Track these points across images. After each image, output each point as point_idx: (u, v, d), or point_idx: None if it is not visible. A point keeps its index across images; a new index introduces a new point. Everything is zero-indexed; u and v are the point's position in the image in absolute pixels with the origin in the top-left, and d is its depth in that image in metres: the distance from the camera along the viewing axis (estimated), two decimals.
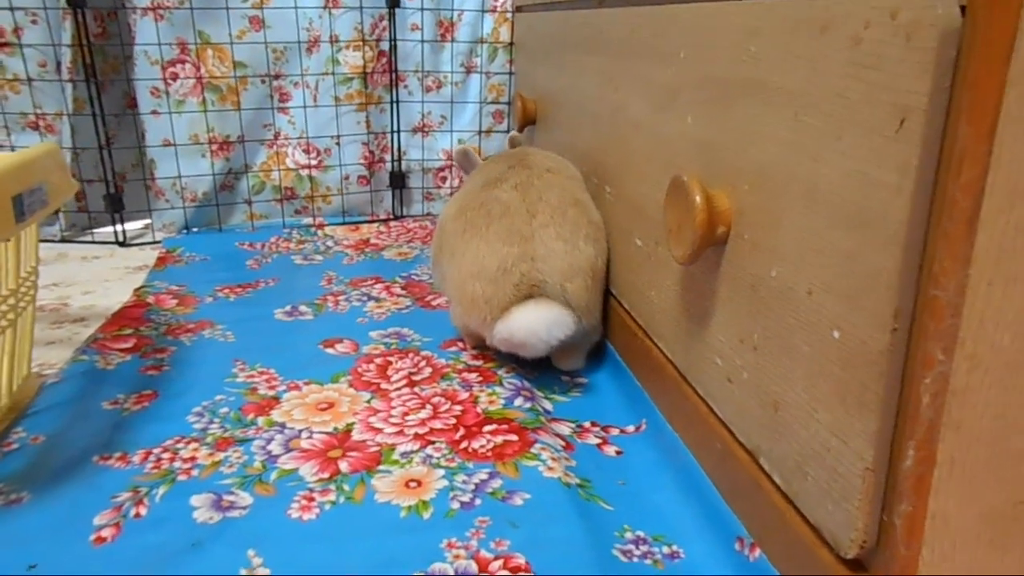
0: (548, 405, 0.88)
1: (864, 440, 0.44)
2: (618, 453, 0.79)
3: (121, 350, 0.99)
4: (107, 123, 1.47)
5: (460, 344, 1.02)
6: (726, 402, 0.64)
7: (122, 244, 1.47)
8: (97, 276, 1.31)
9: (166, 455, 0.75)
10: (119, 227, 1.47)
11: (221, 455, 0.76)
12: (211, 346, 1.01)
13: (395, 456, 0.75)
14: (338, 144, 1.58)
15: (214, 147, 1.51)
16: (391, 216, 1.67)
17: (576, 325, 0.86)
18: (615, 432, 0.83)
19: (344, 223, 1.60)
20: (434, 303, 1.17)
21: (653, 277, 0.81)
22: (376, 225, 1.61)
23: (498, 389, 0.89)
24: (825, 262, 0.48)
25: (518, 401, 0.86)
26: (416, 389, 0.89)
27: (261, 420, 0.82)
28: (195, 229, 1.55)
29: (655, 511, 0.69)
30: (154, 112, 1.47)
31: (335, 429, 0.80)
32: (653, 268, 0.80)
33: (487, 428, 0.81)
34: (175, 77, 1.45)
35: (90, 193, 1.53)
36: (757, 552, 0.59)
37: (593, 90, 1.01)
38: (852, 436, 0.45)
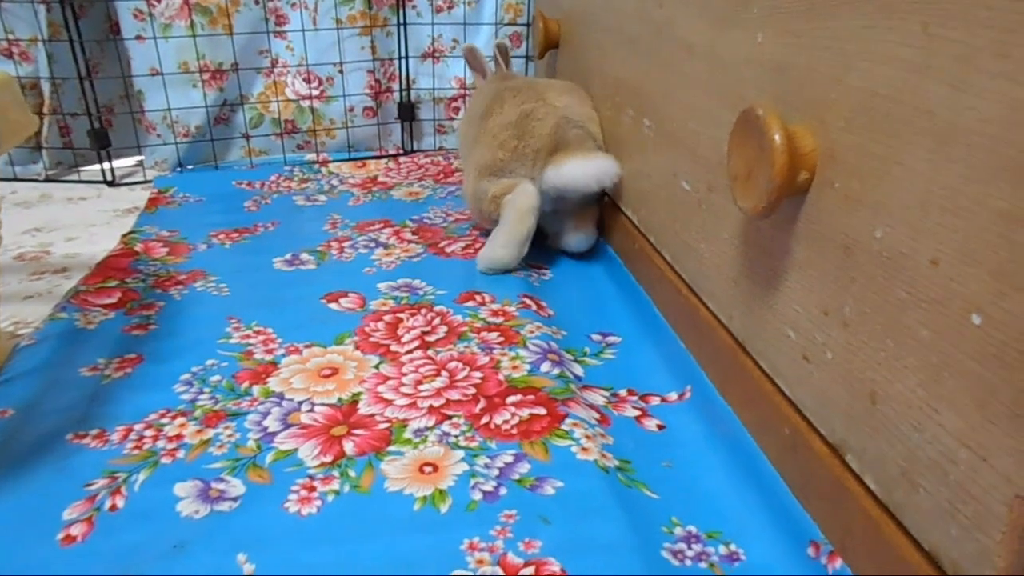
0: (579, 370, 0.78)
1: (1015, 460, 0.34)
2: (660, 428, 0.69)
3: (104, 306, 0.90)
4: (89, 50, 1.34)
5: (477, 297, 0.92)
6: (801, 383, 0.53)
7: (111, 184, 1.36)
8: (83, 220, 1.20)
9: (149, 432, 0.67)
10: (106, 165, 1.36)
11: (211, 432, 0.67)
12: (203, 300, 0.92)
13: (407, 434, 0.66)
14: (341, 72, 1.45)
15: (206, 76, 1.38)
16: (400, 151, 1.54)
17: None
18: (655, 401, 0.73)
19: (350, 159, 1.48)
20: (448, 250, 1.06)
21: (704, 228, 0.69)
22: (384, 161, 1.49)
23: (522, 352, 0.79)
24: (963, 224, 0.36)
25: (545, 366, 0.77)
26: (430, 352, 0.80)
27: (256, 389, 0.73)
28: (189, 166, 1.43)
29: (708, 501, 0.59)
30: (138, 37, 1.33)
31: (339, 400, 0.71)
32: (704, 217, 0.69)
33: (511, 399, 0.71)
34: None
35: (75, 128, 1.41)
36: (838, 563, 0.50)
37: (631, 6, 0.87)
38: (995, 452, 0.35)
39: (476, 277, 0.98)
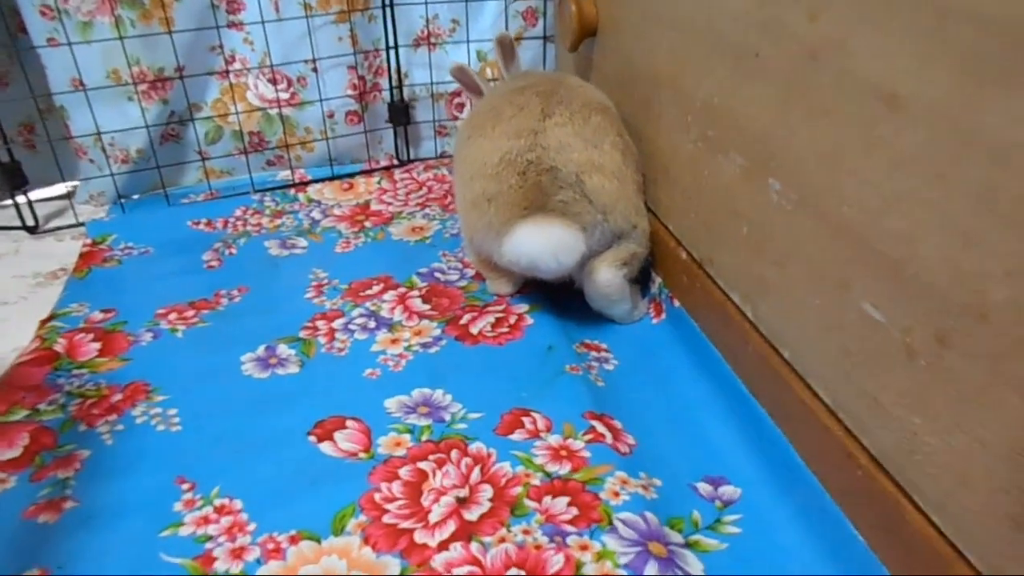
0: (696, 566, 0.53)
1: None
2: None
3: (2, 465, 0.64)
4: None
5: (527, 422, 0.66)
6: None
7: (32, 230, 1.08)
8: None
9: None
10: (22, 199, 1.07)
11: None
12: (145, 444, 0.66)
13: None
14: (315, 70, 1.15)
15: (144, 86, 1.09)
16: (395, 162, 1.26)
17: (587, 247, 0.74)
18: None
19: (333, 177, 1.20)
20: (473, 330, 0.80)
21: (925, 399, 0.43)
22: (376, 179, 1.20)
23: (609, 540, 0.54)
24: None
25: (651, 569, 0.51)
26: (473, 544, 0.54)
27: None
28: (135, 196, 1.15)
29: None
30: (51, 41, 1.03)
31: None
32: (925, 381, 0.43)
33: None
34: None
35: None
36: None
37: (737, 3, 0.59)
38: None
39: (518, 378, 0.72)
